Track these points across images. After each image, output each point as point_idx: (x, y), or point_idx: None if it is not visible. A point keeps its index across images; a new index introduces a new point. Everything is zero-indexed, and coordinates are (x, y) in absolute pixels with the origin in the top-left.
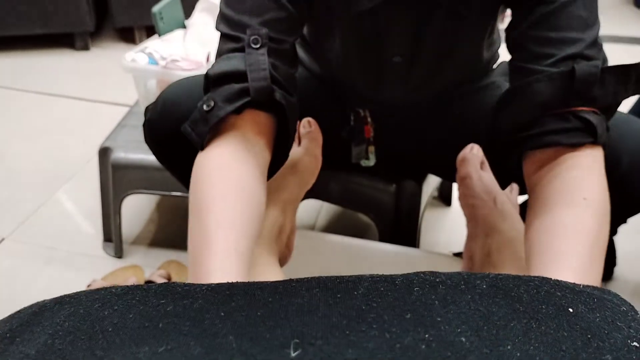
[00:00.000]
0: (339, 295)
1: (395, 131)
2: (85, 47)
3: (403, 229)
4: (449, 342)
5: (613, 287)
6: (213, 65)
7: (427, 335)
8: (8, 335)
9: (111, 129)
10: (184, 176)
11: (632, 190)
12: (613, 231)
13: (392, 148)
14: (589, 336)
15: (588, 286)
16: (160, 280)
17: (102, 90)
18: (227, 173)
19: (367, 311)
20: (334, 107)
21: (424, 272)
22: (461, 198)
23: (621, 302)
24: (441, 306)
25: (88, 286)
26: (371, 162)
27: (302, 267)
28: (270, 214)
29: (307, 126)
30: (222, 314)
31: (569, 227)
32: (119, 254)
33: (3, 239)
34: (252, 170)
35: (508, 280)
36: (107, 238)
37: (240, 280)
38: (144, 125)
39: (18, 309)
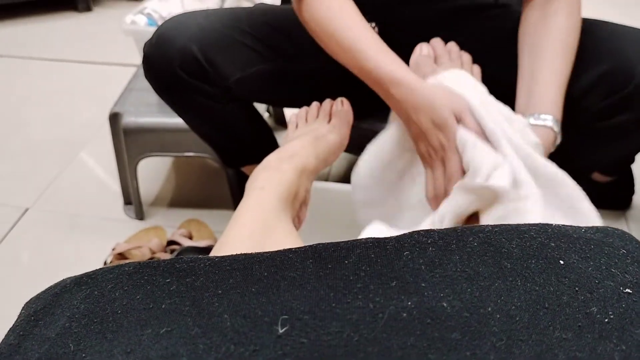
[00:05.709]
0: (329, 266)
1: (407, 53)
2: (88, 9)
3: None
4: (431, 308)
5: (631, 215)
6: None
7: (409, 303)
8: (33, 317)
9: (120, 91)
10: (185, 112)
11: None
12: (631, 159)
13: None
14: (577, 289)
15: (590, 229)
16: (182, 239)
17: (108, 52)
18: (352, 11)
19: (355, 281)
20: None
21: (418, 232)
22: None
23: (623, 244)
24: (427, 270)
25: (113, 249)
26: None
27: (319, 221)
28: (286, 176)
29: (339, 105)
30: (220, 292)
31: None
32: (140, 216)
33: (27, 209)
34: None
35: (502, 234)
36: (127, 201)
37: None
38: (143, 61)
39: (48, 277)
